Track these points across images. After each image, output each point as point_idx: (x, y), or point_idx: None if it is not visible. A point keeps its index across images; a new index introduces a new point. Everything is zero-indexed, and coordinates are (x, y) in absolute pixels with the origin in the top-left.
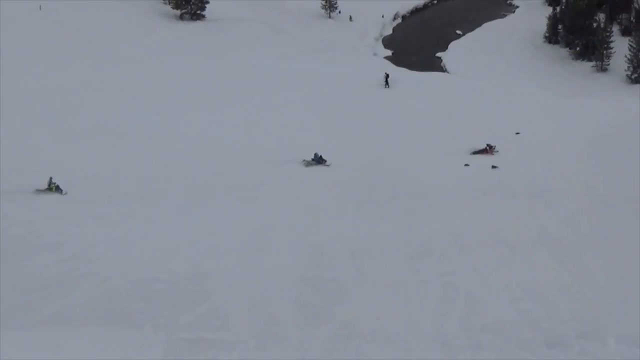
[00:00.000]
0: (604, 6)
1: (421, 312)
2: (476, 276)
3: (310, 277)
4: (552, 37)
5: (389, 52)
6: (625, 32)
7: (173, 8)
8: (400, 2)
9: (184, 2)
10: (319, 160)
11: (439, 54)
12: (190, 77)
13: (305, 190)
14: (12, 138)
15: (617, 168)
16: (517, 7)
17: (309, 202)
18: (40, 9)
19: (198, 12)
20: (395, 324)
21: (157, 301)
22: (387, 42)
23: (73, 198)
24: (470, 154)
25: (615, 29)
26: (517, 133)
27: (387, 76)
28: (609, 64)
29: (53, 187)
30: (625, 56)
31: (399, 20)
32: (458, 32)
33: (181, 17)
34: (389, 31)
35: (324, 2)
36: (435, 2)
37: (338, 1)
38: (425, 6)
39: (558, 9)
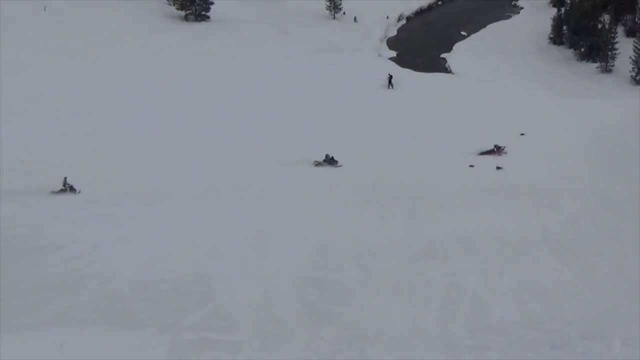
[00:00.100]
0: (609, 7)
1: (426, 313)
2: (480, 277)
3: (314, 278)
4: (556, 38)
5: (393, 53)
6: (630, 33)
7: (177, 9)
8: (404, 3)
9: (188, 3)
10: (330, 160)
11: (443, 55)
12: (194, 78)
13: (309, 191)
14: (14, 139)
15: (621, 169)
16: (522, 8)
17: (313, 203)
18: (45, 9)
19: (202, 13)
20: (400, 324)
21: (161, 302)
22: (391, 43)
23: (77, 199)
24: (478, 154)
25: (620, 30)
26: (522, 134)
27: (390, 77)
28: (613, 65)
29: (68, 188)
30: (630, 57)
31: (404, 21)
32: (463, 33)
33: (186, 18)
34: (393, 32)
35: (328, 3)
36: (439, 3)
37: (342, 2)
38: (429, 7)
39: (563, 10)
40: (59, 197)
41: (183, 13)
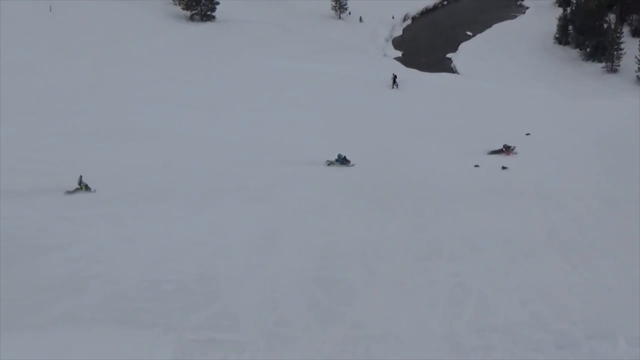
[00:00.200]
0: (614, 7)
1: (431, 313)
2: (486, 277)
3: (319, 278)
4: (562, 38)
5: (399, 53)
6: (635, 33)
7: (183, 9)
8: (410, 3)
9: (194, 3)
10: (342, 160)
11: (449, 55)
12: (199, 78)
13: (314, 191)
14: (18, 139)
15: (626, 169)
16: (527, 8)
17: (318, 203)
18: (50, 9)
19: (208, 13)
20: (406, 325)
21: (166, 302)
22: (397, 43)
23: (82, 199)
24: (488, 153)
25: (626, 30)
26: (528, 134)
27: (394, 77)
28: (619, 65)
29: (83, 187)
30: (636, 57)
31: (409, 21)
32: (468, 33)
33: (191, 18)
34: (399, 32)
35: (334, 3)
36: (445, 3)
37: (348, 2)
38: (435, 7)
39: (568, 9)
40: (63, 197)
41: (188, 13)
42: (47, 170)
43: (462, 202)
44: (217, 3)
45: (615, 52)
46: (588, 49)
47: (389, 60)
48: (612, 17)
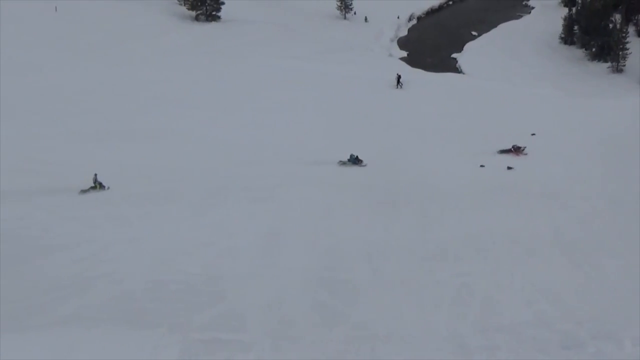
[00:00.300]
0: (620, 7)
1: (436, 313)
2: (491, 277)
3: (325, 278)
4: (567, 38)
5: (404, 53)
6: None
7: (188, 9)
8: (415, 3)
9: (199, 3)
10: (354, 160)
11: (454, 55)
12: (204, 78)
13: (320, 191)
14: (23, 139)
15: (632, 169)
16: (533, 8)
17: (323, 203)
18: (55, 10)
19: (213, 13)
20: (411, 325)
21: (172, 302)
22: (402, 43)
23: (87, 199)
24: (498, 152)
25: (631, 29)
26: (533, 134)
27: (398, 77)
28: (624, 65)
29: (98, 185)
30: None
31: (414, 21)
32: (473, 33)
33: (196, 18)
34: (404, 32)
35: (339, 3)
36: (450, 3)
37: (353, 2)
38: (440, 7)
39: (574, 9)
40: (69, 197)
41: (194, 13)
42: (52, 170)
43: (468, 202)
44: (222, 3)
45: (620, 52)
46: (593, 49)
47: (394, 60)
48: (617, 17)
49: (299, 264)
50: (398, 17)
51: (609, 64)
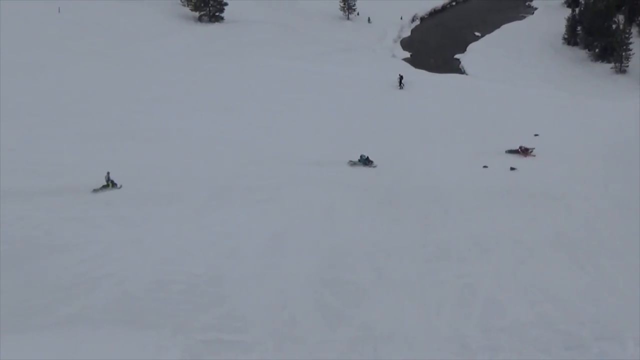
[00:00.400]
0: (623, 8)
1: (439, 313)
2: (494, 278)
3: (328, 279)
4: (571, 38)
5: (407, 54)
6: None
7: (192, 10)
8: (418, 4)
9: (202, 4)
10: (365, 161)
11: (457, 56)
12: (208, 78)
13: (324, 192)
14: (28, 140)
15: (635, 170)
16: (536, 8)
17: (327, 204)
18: (59, 11)
19: (217, 14)
20: (414, 325)
21: (175, 303)
22: (405, 44)
23: (91, 200)
24: (505, 152)
25: (634, 30)
26: (536, 135)
27: (401, 78)
28: (627, 66)
29: (110, 184)
30: None
31: (418, 22)
32: (476, 34)
33: (200, 19)
34: (407, 33)
35: (342, 4)
36: (453, 4)
37: (356, 3)
38: (443, 8)
39: (577, 10)
40: (73, 198)
41: (197, 14)
42: (56, 171)
43: (471, 203)
44: (226, 4)
45: (623, 53)
46: (597, 50)
47: (397, 61)
48: (620, 18)
49: (302, 264)
50: (401, 18)
51: (612, 64)
